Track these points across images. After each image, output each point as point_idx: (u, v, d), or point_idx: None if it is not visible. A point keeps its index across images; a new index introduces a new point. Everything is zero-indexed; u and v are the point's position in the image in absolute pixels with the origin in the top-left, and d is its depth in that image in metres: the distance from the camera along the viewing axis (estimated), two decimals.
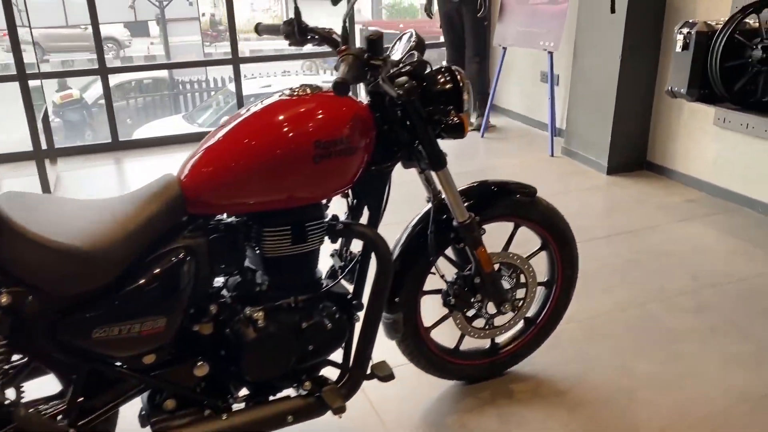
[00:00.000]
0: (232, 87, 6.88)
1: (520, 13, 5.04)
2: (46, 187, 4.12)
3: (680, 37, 3.30)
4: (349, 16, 1.89)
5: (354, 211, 1.85)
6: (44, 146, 4.68)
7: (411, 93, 1.62)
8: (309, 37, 1.84)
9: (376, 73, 1.57)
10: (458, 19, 5.22)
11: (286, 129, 1.56)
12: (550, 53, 4.77)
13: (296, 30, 1.82)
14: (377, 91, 1.70)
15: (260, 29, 1.95)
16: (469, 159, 4.81)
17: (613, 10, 3.91)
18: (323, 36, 1.82)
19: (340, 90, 1.39)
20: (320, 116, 1.59)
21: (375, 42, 1.56)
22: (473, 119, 5.50)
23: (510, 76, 5.73)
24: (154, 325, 1.50)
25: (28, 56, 4.48)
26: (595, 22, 4.28)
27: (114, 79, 13.31)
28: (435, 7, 5.33)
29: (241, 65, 5.41)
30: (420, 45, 1.77)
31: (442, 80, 1.76)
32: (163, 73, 14.28)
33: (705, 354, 2.42)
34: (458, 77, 1.76)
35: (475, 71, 5.32)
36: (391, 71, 1.69)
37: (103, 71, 4.98)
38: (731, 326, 2.59)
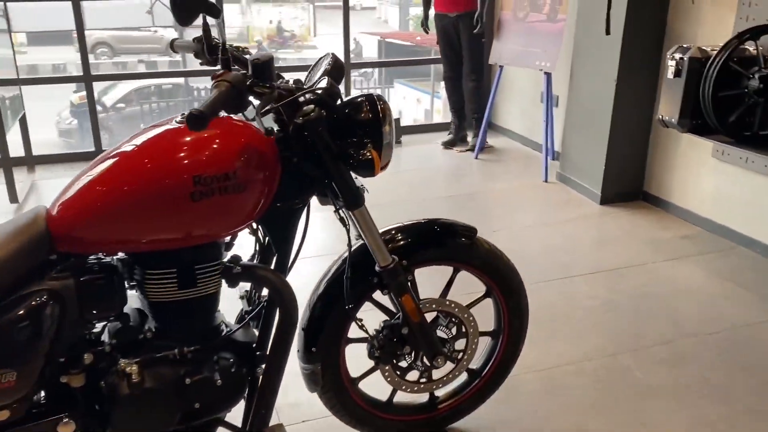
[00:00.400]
0: None
1: (517, 31, 4.82)
2: (13, 196, 4.00)
3: (672, 63, 3.07)
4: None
5: (264, 252, 1.66)
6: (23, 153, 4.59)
7: (317, 122, 1.44)
8: (220, 55, 1.65)
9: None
10: (455, 35, 5.03)
11: (163, 162, 1.38)
12: (547, 74, 4.55)
13: (205, 49, 1.64)
14: (282, 119, 1.52)
15: (175, 46, 1.80)
16: (457, 182, 4.59)
17: (608, 32, 3.67)
18: (234, 56, 1.64)
19: (193, 124, 1.19)
20: (206, 148, 1.40)
21: (261, 66, 1.37)
22: (469, 138, 5.29)
23: (510, 95, 5.51)
24: (1, 380, 1.33)
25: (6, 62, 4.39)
26: (592, 43, 4.05)
27: (133, 84, 13.44)
28: (432, 22, 5.14)
29: None
30: (337, 69, 1.59)
31: (364, 109, 1.58)
32: (180, 80, 14.41)
33: (673, 415, 2.18)
34: (379, 108, 1.57)
35: (472, 89, 5.11)
36: (302, 98, 1.51)
37: (87, 78, 4.88)
38: (707, 384, 2.34)
